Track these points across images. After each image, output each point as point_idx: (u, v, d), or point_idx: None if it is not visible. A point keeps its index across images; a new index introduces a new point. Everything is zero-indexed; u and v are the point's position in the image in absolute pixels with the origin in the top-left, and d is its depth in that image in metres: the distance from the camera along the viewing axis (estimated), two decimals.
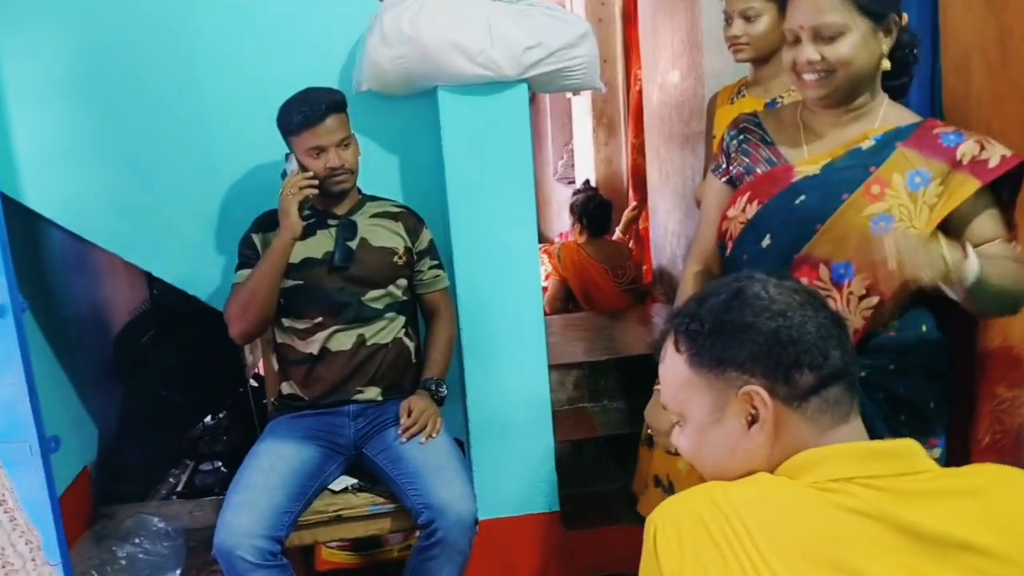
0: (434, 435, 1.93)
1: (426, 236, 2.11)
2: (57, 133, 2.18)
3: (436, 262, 2.12)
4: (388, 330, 2.02)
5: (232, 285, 1.99)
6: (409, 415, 1.93)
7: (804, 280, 1.33)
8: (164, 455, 3.04)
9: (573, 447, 2.56)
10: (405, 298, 2.06)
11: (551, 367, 2.30)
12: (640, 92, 3.84)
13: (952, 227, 1.34)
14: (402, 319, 2.05)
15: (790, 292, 0.92)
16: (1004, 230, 1.34)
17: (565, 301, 3.79)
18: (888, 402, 1.34)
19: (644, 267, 4.02)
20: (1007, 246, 1.33)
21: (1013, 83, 1.93)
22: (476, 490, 2.04)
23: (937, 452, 1.39)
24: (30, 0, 2.11)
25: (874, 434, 1.29)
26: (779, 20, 1.99)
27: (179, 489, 2.98)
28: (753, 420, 0.89)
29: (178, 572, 2.55)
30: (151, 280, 3.00)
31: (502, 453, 2.23)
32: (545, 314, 3.16)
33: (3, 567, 1.48)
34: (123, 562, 2.58)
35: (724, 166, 1.53)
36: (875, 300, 1.33)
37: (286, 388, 2.04)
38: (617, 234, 4.23)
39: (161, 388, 3.00)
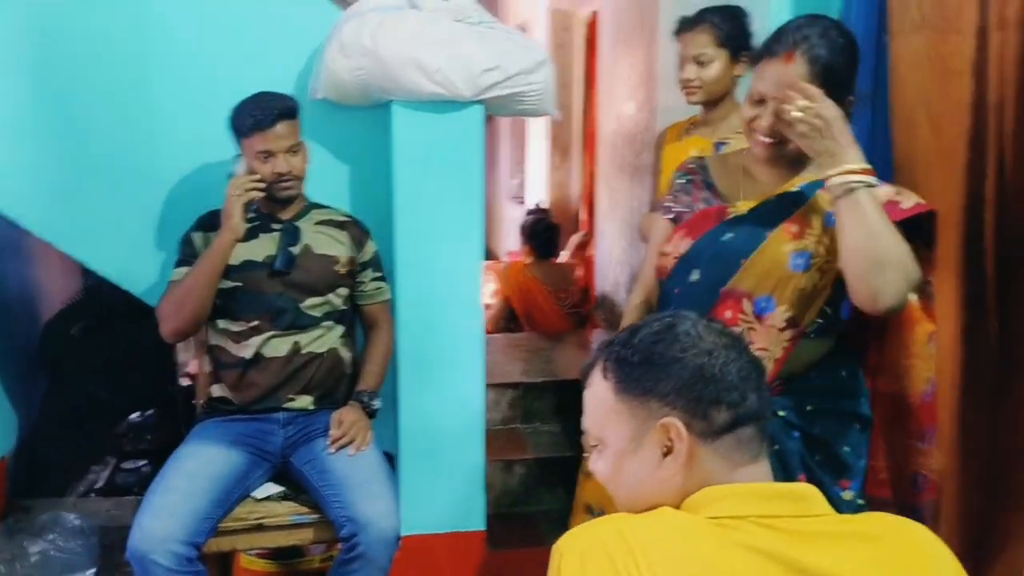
0: (363, 448, 1.92)
1: (371, 248, 2.11)
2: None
3: (379, 274, 2.12)
4: (325, 339, 2.01)
5: (168, 282, 1.96)
6: (339, 427, 1.92)
7: (729, 313, 1.40)
8: (86, 451, 2.96)
9: (504, 467, 2.57)
10: (344, 308, 2.06)
11: (488, 386, 2.31)
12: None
13: None
14: (340, 329, 2.04)
15: (717, 334, 0.96)
16: None
17: (508, 320, 3.82)
18: (805, 442, 1.39)
19: (588, 292, 4.07)
20: None
21: (951, 142, 2.02)
22: (403, 505, 2.04)
23: (850, 494, 1.44)
24: None
25: (789, 473, 1.34)
26: (729, 66, 2.06)
27: (99, 486, 2.91)
28: (668, 451, 0.92)
29: (91, 572, 2.48)
30: (85, 272, 2.94)
31: (431, 469, 2.22)
32: (487, 332, 3.17)
33: None
34: (34, 559, 2.50)
35: (671, 205, 1.58)
36: (793, 332, 1.40)
37: (216, 391, 2.01)
38: (565, 257, 4.28)
39: (88, 382, 2.94)
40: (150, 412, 3.08)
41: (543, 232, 3.83)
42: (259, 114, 1.87)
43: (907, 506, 1.52)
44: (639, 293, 1.65)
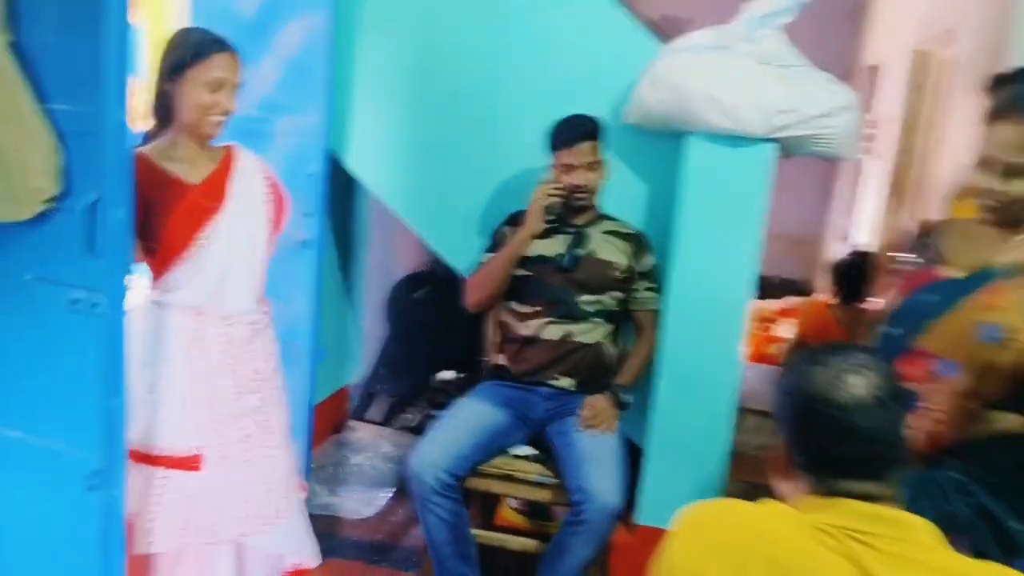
0: (607, 432, 2.18)
1: (649, 260, 2.35)
2: (383, 113, 2.72)
3: (653, 285, 2.35)
4: (593, 333, 2.29)
5: (478, 263, 2.38)
6: (591, 410, 2.20)
7: (914, 369, 1.41)
8: (407, 394, 3.58)
9: (747, 488, 2.66)
10: (616, 309, 2.32)
11: (752, 411, 2.43)
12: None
13: None
14: (609, 326, 2.31)
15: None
16: None
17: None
18: (976, 511, 1.37)
19: None
20: None
21: None
22: (645, 497, 2.25)
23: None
24: (387, 6, 2.66)
25: (952, 535, 1.33)
26: None
27: (411, 425, 3.50)
28: None
29: (391, 489, 3.04)
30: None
31: (674, 468, 2.39)
32: (773, 363, 3.25)
33: (267, 428, 1.99)
34: (354, 467, 3.13)
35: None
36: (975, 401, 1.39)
37: (500, 359, 2.40)
38: (877, 304, 4.11)
39: (416, 339, 3.54)
40: (463, 375, 3.63)
41: (852, 274, 3.74)
42: (567, 133, 2.21)
43: None
44: None
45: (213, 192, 1.88)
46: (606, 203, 2.42)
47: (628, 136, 2.48)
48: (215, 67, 1.77)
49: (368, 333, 3.68)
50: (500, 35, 2.60)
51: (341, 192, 3.18)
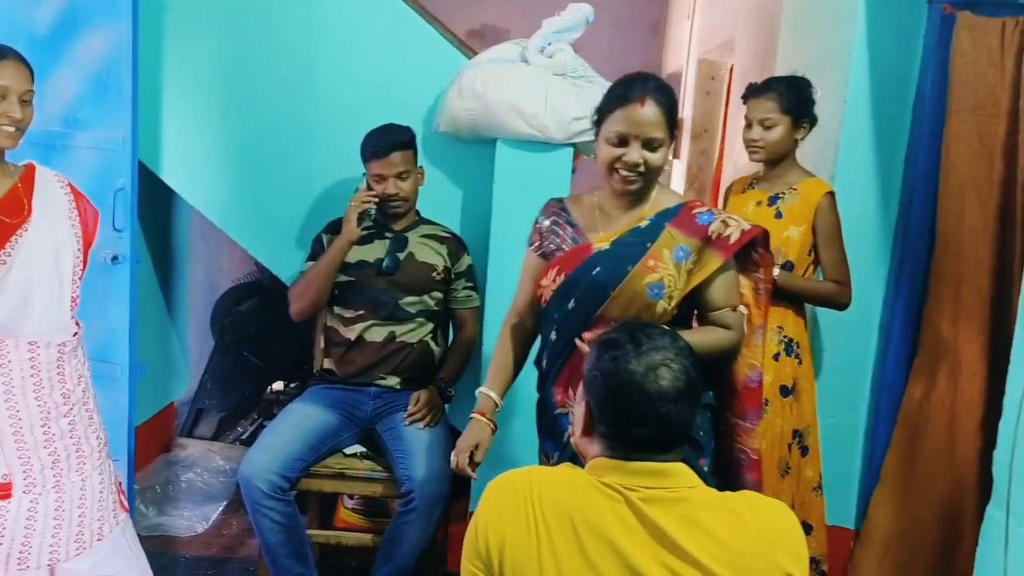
0: (432, 425, 2.29)
1: (465, 261, 2.49)
2: (198, 124, 2.70)
3: (470, 284, 2.50)
4: (416, 332, 2.40)
5: (299, 272, 2.44)
6: (416, 404, 2.31)
7: None
8: (238, 406, 3.55)
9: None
10: (437, 309, 2.44)
11: None
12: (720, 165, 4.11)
13: (698, 292, 1.68)
14: (431, 325, 2.43)
15: None
16: (734, 297, 1.70)
17: None
18: None
19: None
20: (731, 314, 1.69)
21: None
22: (477, 485, 2.37)
23: (707, 469, 1.70)
24: (193, 17, 2.65)
25: None
26: (791, 130, 2.27)
27: (244, 437, 3.47)
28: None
29: (224, 503, 3.01)
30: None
31: (500, 456, 2.55)
32: None
33: (77, 452, 1.95)
34: (183, 484, 3.08)
35: (538, 243, 1.86)
36: None
37: (326, 363, 2.47)
38: None
39: (248, 351, 3.51)
40: (293, 385, 3.64)
41: None
42: (376, 144, 2.31)
43: (736, 481, 1.73)
44: (513, 316, 1.96)
45: (14, 208, 1.83)
46: (427, 207, 2.54)
47: (446, 143, 2.62)
48: None
49: (194, 348, 3.61)
50: (310, 43, 2.66)
51: (159, 205, 3.12)
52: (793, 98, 2.24)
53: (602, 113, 1.70)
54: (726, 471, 1.77)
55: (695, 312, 1.76)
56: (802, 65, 2.55)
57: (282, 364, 3.58)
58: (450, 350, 2.49)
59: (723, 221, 1.68)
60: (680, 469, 1.18)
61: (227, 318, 3.52)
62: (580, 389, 1.26)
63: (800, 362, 2.29)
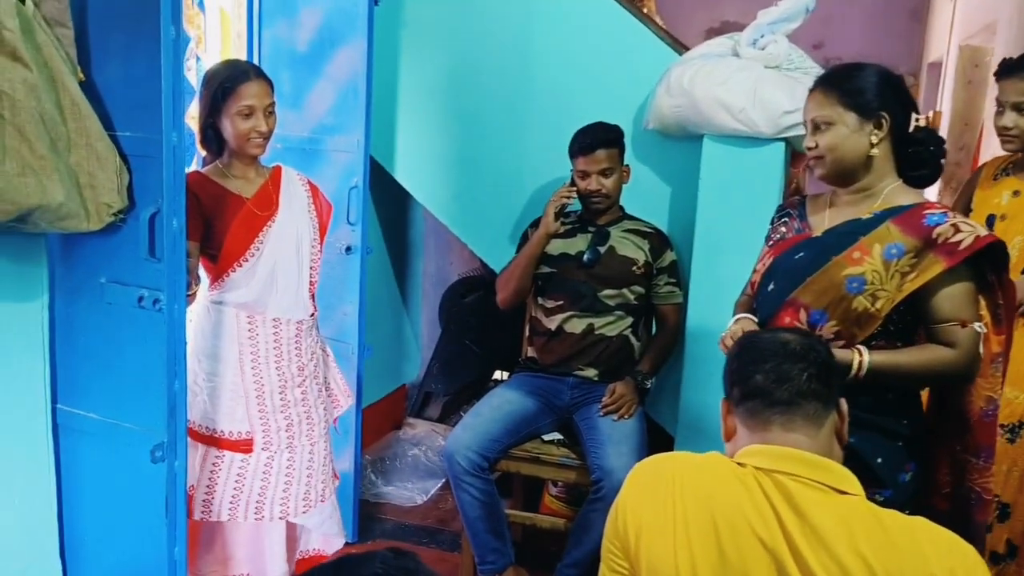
0: (626, 417, 2.32)
1: (668, 257, 2.49)
2: (425, 127, 2.94)
3: (673, 280, 2.49)
4: (615, 325, 2.44)
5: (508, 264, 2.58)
6: (611, 395, 2.35)
7: (788, 319, 1.60)
8: (461, 393, 3.79)
9: None
10: (637, 303, 2.46)
11: None
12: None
13: (919, 300, 1.52)
14: (630, 319, 2.46)
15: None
16: (966, 312, 1.48)
17: None
18: None
19: None
20: (961, 331, 1.48)
21: None
22: None
23: (879, 499, 1.51)
24: (424, 31, 2.89)
25: None
26: None
27: None
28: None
29: (443, 480, 3.24)
30: None
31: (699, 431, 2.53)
32: None
33: (308, 419, 2.21)
34: (409, 459, 3.35)
35: (770, 236, 1.82)
36: (841, 343, 1.55)
37: (529, 352, 2.58)
38: None
39: (470, 340, 3.74)
40: (511, 374, 3.81)
41: None
42: (582, 141, 2.38)
43: (960, 520, 1.54)
44: (743, 300, 1.91)
45: (265, 203, 2.13)
46: (634, 204, 2.58)
47: (655, 141, 2.63)
48: (244, 96, 2.01)
49: (425, 335, 3.91)
50: (525, 49, 2.79)
51: (397, 203, 3.42)
52: None
53: None
54: (953, 511, 1.61)
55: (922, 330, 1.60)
56: None
57: (501, 354, 3.77)
58: (651, 343, 2.51)
59: (954, 224, 1.50)
60: (835, 467, 1.13)
61: (453, 309, 3.77)
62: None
63: None
